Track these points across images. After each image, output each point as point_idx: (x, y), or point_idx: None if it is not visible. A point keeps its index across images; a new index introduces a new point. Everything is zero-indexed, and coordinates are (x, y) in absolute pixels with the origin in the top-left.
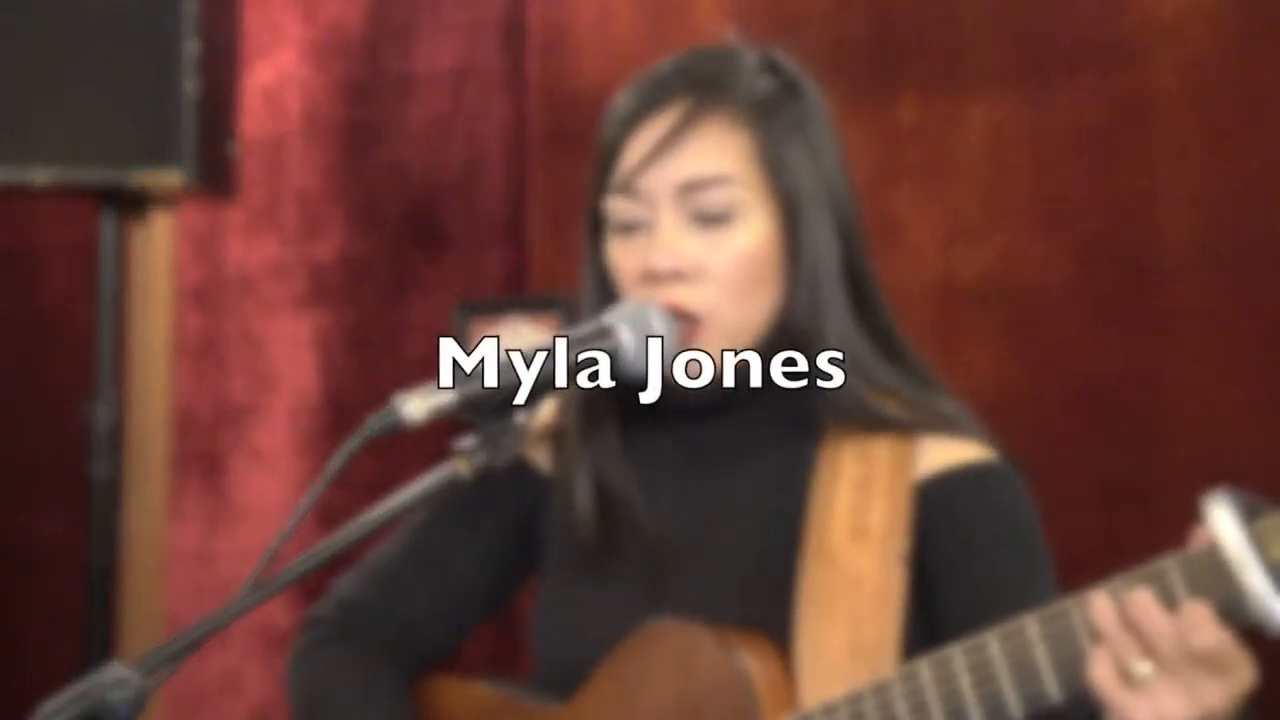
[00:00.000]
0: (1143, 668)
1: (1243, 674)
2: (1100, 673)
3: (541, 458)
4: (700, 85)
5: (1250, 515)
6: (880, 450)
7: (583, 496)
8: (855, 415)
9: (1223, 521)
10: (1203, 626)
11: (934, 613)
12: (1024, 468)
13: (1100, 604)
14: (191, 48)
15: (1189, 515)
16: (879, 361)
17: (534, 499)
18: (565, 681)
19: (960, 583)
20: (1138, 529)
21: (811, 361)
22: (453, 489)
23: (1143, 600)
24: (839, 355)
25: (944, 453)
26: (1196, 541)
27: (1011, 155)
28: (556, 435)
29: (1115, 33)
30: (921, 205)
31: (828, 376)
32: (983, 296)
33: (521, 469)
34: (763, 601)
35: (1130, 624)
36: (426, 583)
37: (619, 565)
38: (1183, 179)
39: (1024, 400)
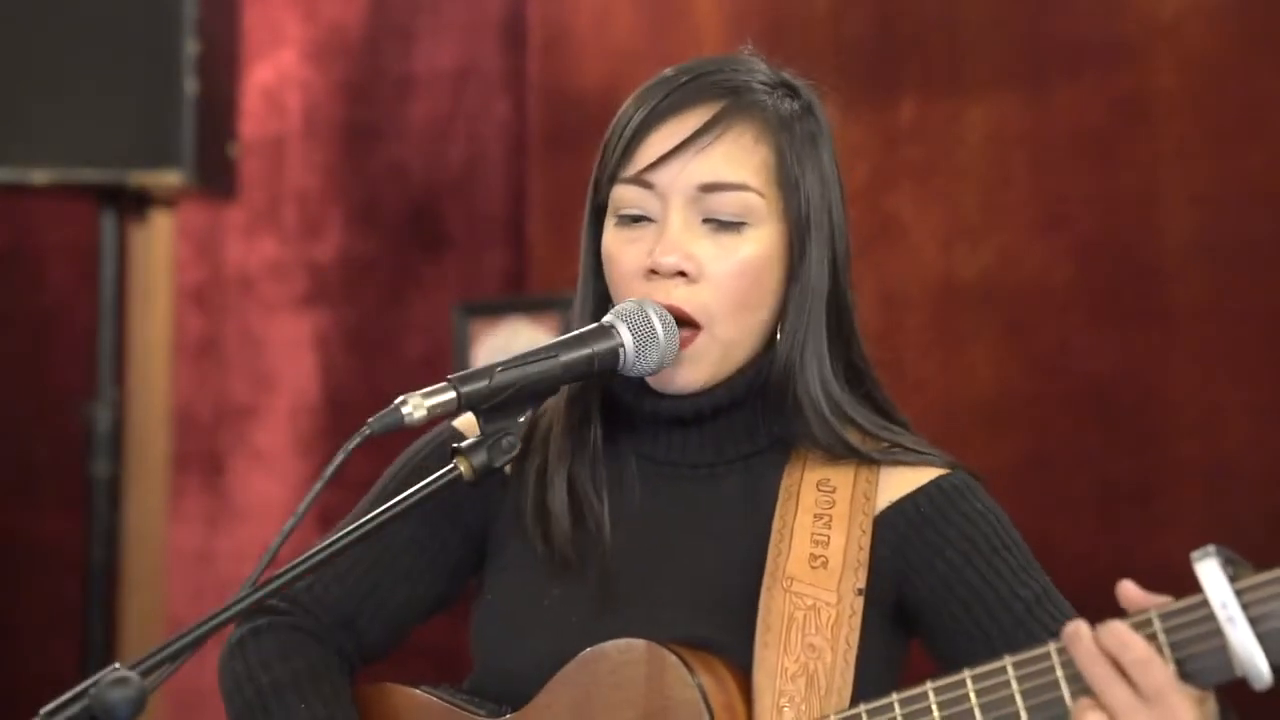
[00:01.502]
0: None
1: (1209, 702)
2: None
3: (508, 465)
4: (731, 93)
5: (1236, 572)
6: (841, 481)
7: (558, 499)
8: (824, 443)
9: (1210, 577)
10: (1151, 666)
11: (937, 637)
12: (980, 474)
13: (1071, 629)
14: (191, 48)
15: (1189, 515)
16: (847, 393)
17: (491, 500)
18: (506, 686)
19: (957, 600)
20: (1138, 529)
21: (791, 383)
22: (406, 486)
23: (1115, 628)
24: (816, 384)
25: (901, 481)
26: (1127, 598)
27: (1011, 155)
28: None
29: (1115, 33)
30: (921, 205)
31: (799, 402)
32: (983, 296)
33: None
34: (716, 622)
35: (1105, 650)
36: (374, 580)
37: (575, 572)
38: (1183, 179)
39: (1024, 400)
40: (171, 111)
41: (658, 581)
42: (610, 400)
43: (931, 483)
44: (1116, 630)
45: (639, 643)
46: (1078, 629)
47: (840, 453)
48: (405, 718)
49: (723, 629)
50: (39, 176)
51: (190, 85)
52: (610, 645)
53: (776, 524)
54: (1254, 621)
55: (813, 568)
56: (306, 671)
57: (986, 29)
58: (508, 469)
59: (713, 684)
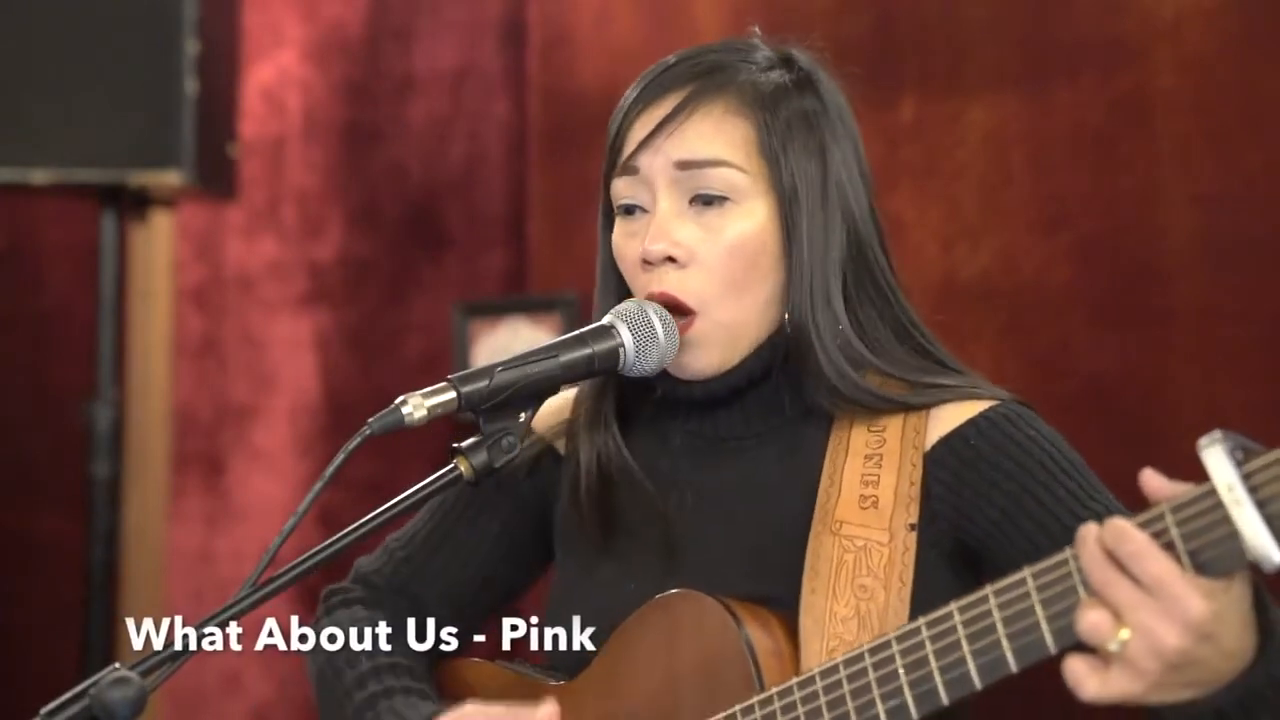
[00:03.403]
0: (1120, 637)
1: (1196, 608)
2: (1077, 669)
3: (562, 446)
4: (703, 73)
5: (1246, 454)
6: (891, 423)
7: (586, 475)
8: (858, 401)
9: (1216, 461)
10: (1147, 556)
11: (1001, 570)
12: (1032, 404)
13: (1081, 532)
14: (191, 48)
15: None
16: (889, 353)
17: (550, 484)
18: (577, 658)
19: (1020, 531)
20: None
21: (809, 353)
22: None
23: (1115, 524)
24: (835, 351)
25: (950, 417)
26: (1150, 489)
27: (1011, 155)
28: (574, 423)
29: (1115, 33)
30: (921, 205)
31: (822, 371)
32: (983, 296)
33: (541, 456)
34: (771, 575)
35: (1106, 548)
36: (443, 569)
37: (632, 547)
38: (1183, 179)
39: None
40: (171, 111)
41: (713, 545)
42: (646, 388)
43: (980, 415)
44: (1115, 526)
45: (685, 594)
46: (1085, 531)
47: (880, 405)
48: (475, 686)
49: (780, 583)
50: (39, 176)
51: (190, 85)
52: (657, 599)
53: (826, 468)
54: (1261, 504)
55: (863, 509)
56: (375, 623)
57: (986, 29)
58: (563, 449)
59: (759, 631)
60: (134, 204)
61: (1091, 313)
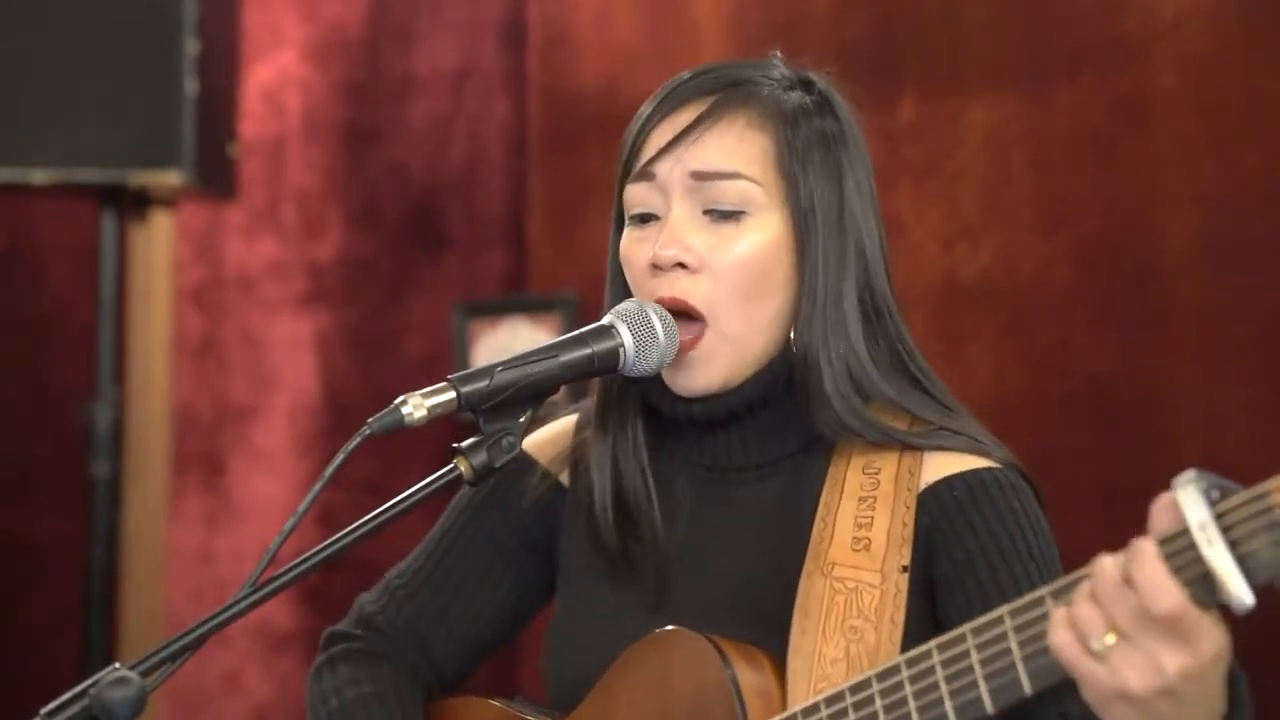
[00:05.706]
0: (1105, 640)
1: (1207, 645)
2: (1060, 638)
3: (566, 477)
4: (726, 85)
5: (1222, 494)
6: (886, 463)
7: (601, 497)
8: (861, 431)
9: (1190, 502)
10: (1160, 588)
11: (942, 625)
12: (1035, 481)
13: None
14: (191, 48)
15: None
16: (893, 383)
17: (556, 514)
18: (571, 693)
19: (963, 592)
20: (1138, 529)
21: (814, 375)
22: (476, 508)
23: (1104, 565)
24: (842, 374)
25: (946, 464)
26: (1155, 520)
27: (1011, 155)
28: (577, 451)
29: (1115, 33)
30: (921, 205)
31: (825, 393)
32: (983, 296)
33: (547, 488)
34: (761, 615)
35: (1093, 594)
36: (443, 603)
37: (631, 579)
38: (1183, 179)
39: (1024, 400)
40: (171, 111)
41: (707, 586)
42: (650, 409)
43: (974, 471)
44: (1138, 546)
45: (676, 632)
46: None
47: (880, 439)
48: None
49: (771, 624)
50: (39, 176)
51: (190, 85)
52: (649, 636)
53: (820, 511)
54: (1233, 544)
55: (855, 550)
56: (374, 693)
57: (986, 29)
58: (566, 480)
59: (746, 669)
60: (134, 204)
61: (1091, 313)
